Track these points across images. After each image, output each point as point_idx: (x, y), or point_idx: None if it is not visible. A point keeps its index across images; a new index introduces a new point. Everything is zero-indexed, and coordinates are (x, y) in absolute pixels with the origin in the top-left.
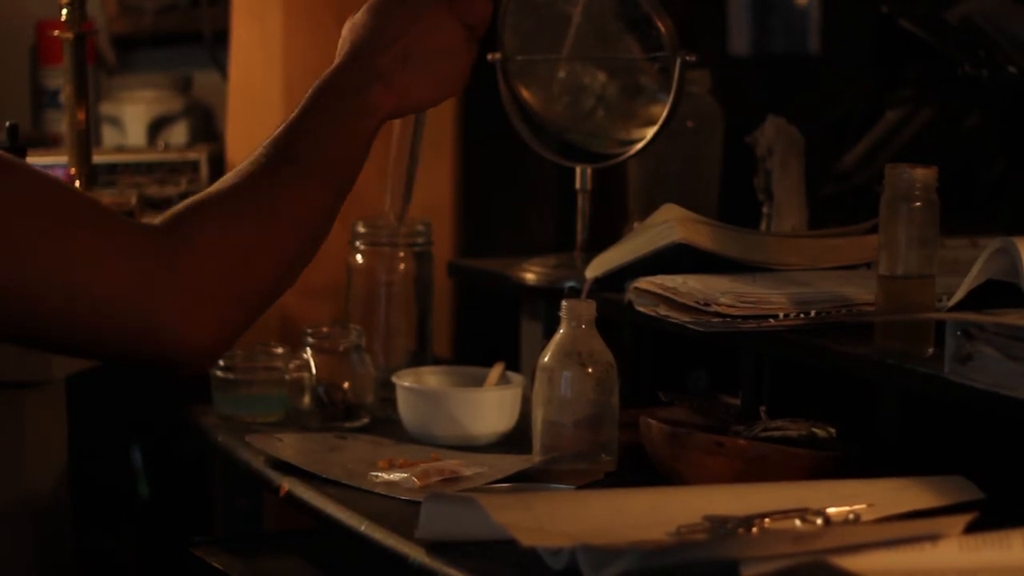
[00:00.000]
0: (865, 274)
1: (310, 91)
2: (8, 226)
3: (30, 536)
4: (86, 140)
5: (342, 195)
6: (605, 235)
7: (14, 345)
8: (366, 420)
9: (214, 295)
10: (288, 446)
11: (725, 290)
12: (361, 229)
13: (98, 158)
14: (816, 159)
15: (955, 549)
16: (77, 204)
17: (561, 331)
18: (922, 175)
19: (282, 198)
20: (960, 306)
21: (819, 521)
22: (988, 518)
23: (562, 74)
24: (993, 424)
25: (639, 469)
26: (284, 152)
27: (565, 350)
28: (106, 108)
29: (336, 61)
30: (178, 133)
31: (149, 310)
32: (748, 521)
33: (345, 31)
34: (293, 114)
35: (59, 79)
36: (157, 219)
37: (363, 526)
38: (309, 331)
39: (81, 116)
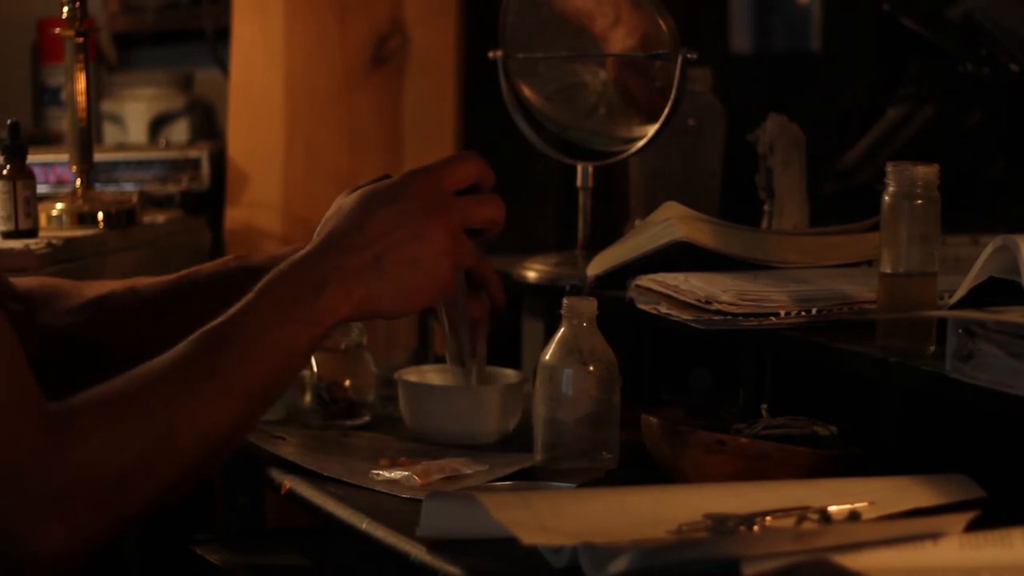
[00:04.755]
0: (866, 272)
1: (270, 274)
2: None
3: None
4: (87, 138)
5: (264, 406)
6: (606, 233)
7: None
8: (367, 418)
9: (79, 513)
10: (289, 444)
11: (726, 288)
12: None
13: (99, 156)
14: (818, 157)
15: (956, 547)
16: None
17: (562, 329)
18: (924, 173)
19: (185, 417)
20: (961, 304)
21: (820, 519)
22: (989, 516)
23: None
24: (994, 422)
25: (640, 467)
26: (208, 357)
27: (566, 348)
28: (107, 106)
29: (308, 245)
30: (179, 130)
31: (10, 501)
32: (749, 519)
33: (332, 208)
34: (241, 302)
35: (60, 77)
36: (56, 404)
37: (364, 524)
38: None
39: (82, 114)
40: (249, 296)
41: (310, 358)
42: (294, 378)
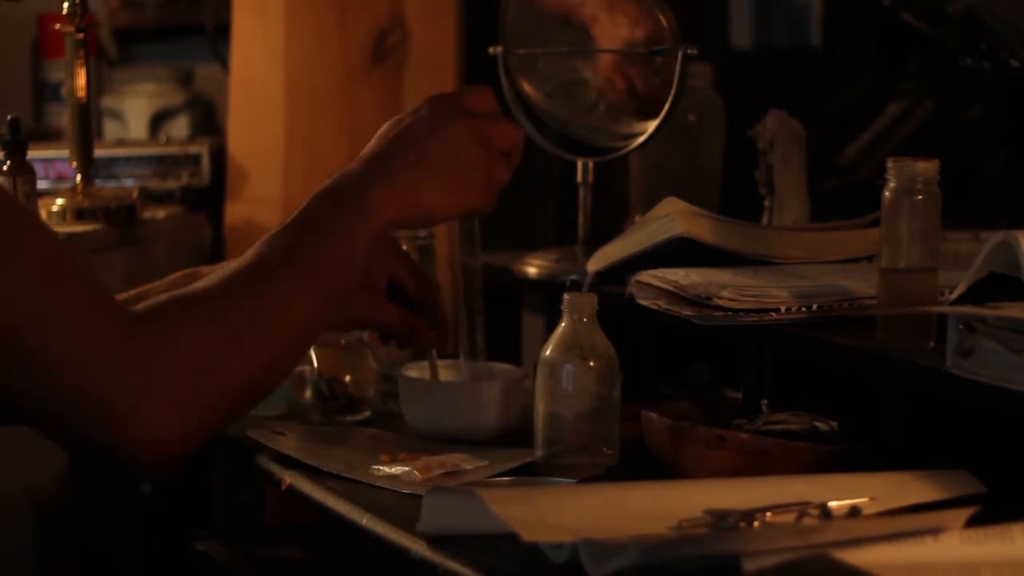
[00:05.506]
0: (867, 267)
1: (318, 188)
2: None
3: (32, 532)
4: (87, 133)
5: (334, 299)
6: (607, 229)
7: None
8: (368, 414)
9: (184, 392)
10: (289, 440)
11: (727, 284)
12: None
13: (99, 152)
14: (818, 152)
15: (956, 543)
16: (69, 269)
17: (563, 325)
18: (924, 168)
19: (266, 302)
20: (962, 299)
21: (821, 515)
22: (990, 512)
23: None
24: (995, 418)
25: (640, 463)
26: (276, 253)
27: (567, 344)
28: (107, 101)
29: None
30: (179, 126)
31: (114, 392)
32: (750, 515)
33: (373, 140)
34: (295, 212)
35: (60, 73)
36: (139, 305)
37: (364, 519)
38: None
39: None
40: (295, 213)
41: (369, 258)
42: (358, 275)
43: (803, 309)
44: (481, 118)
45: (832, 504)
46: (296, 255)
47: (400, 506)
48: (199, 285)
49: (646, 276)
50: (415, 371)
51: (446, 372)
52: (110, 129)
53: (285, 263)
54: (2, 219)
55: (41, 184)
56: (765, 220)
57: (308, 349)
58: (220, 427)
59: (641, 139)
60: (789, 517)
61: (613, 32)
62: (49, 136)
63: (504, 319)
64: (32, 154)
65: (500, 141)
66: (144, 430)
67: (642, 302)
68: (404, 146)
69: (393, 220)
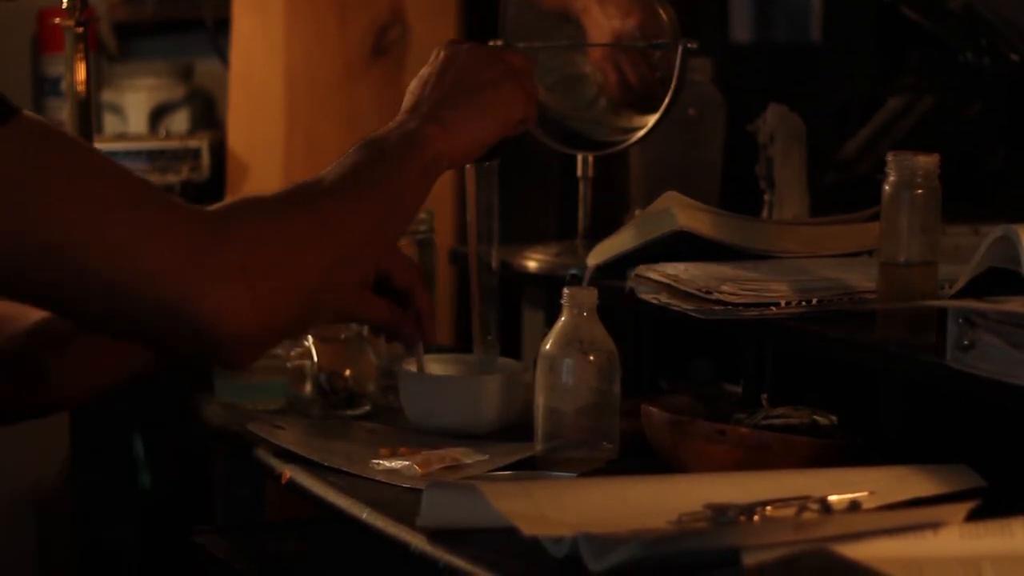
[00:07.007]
0: (867, 262)
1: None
2: (58, 196)
3: (32, 526)
4: (87, 128)
5: (392, 219)
6: (607, 223)
7: (58, 316)
8: (368, 408)
9: (260, 281)
10: (289, 434)
11: (727, 278)
12: None
13: (99, 146)
14: (818, 147)
15: (956, 537)
16: (130, 181)
17: (563, 319)
18: (924, 162)
19: (325, 214)
20: (962, 294)
21: (821, 509)
22: (990, 506)
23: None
24: (995, 412)
25: (640, 457)
26: (334, 172)
27: (567, 338)
28: (107, 96)
29: None
30: (179, 121)
31: (193, 287)
32: (749, 509)
33: (404, 98)
34: (346, 152)
35: (60, 67)
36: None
37: (364, 514)
38: None
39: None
40: (345, 154)
41: (429, 187)
42: (415, 199)
43: (803, 303)
44: (486, 44)
45: (832, 498)
46: (350, 174)
47: (400, 500)
48: (262, 195)
49: (646, 270)
50: (414, 365)
51: (436, 366)
52: (110, 123)
53: (340, 180)
54: (67, 146)
55: None
56: (765, 214)
57: (368, 263)
58: (292, 322)
59: (641, 133)
60: (789, 511)
61: (603, 22)
62: None
63: (504, 313)
64: None
65: (512, 60)
66: (222, 315)
67: (642, 296)
68: (428, 90)
69: (442, 154)
